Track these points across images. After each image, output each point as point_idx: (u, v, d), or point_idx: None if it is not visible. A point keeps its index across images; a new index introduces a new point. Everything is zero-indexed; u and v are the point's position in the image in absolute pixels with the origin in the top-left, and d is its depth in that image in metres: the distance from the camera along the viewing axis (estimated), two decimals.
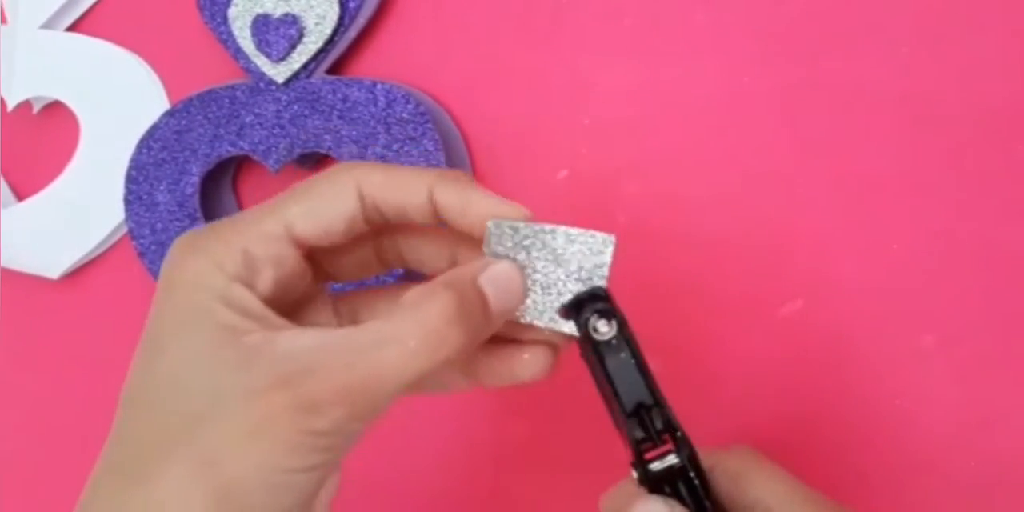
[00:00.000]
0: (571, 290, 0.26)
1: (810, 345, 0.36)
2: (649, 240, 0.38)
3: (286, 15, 0.42)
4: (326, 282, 0.29)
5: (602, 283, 0.26)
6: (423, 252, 0.29)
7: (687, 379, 0.35)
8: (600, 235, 0.26)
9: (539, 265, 0.26)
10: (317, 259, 0.27)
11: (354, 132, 0.40)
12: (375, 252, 0.29)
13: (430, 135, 0.39)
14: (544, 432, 0.39)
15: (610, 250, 0.26)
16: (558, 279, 0.26)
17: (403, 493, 0.41)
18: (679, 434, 0.25)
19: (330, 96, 0.41)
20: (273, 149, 0.42)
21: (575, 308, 0.26)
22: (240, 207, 0.46)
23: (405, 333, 0.23)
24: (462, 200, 0.26)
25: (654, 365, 0.26)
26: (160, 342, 0.24)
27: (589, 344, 0.26)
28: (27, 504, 0.48)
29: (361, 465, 0.42)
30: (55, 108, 0.49)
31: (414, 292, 0.24)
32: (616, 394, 0.26)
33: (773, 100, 0.37)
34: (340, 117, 0.41)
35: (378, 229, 0.28)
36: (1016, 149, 0.34)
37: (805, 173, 0.36)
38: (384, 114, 0.40)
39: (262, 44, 0.42)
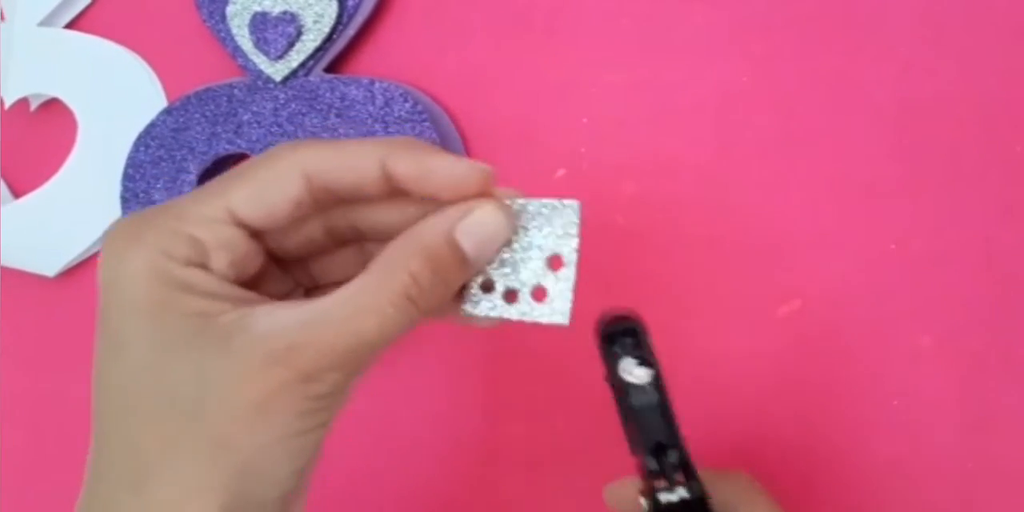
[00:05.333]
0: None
1: (808, 345, 0.36)
2: (647, 240, 0.38)
3: (284, 13, 0.42)
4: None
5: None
6: (379, 220, 0.27)
7: (685, 379, 0.35)
8: (562, 310, 0.25)
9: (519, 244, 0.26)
10: (260, 240, 0.26)
11: (352, 131, 0.40)
12: (324, 229, 0.28)
13: (428, 134, 0.39)
14: (539, 431, 0.39)
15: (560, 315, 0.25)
16: (515, 275, 0.26)
17: (400, 492, 0.41)
18: (693, 482, 0.26)
19: (328, 94, 0.41)
20: (270, 147, 0.42)
21: (607, 340, 0.26)
22: None
23: (382, 302, 0.24)
24: (421, 167, 0.25)
25: None
26: (123, 342, 0.24)
27: (619, 384, 0.26)
28: (26, 502, 0.48)
29: (358, 464, 0.42)
30: (53, 105, 0.49)
31: (386, 255, 0.24)
32: (640, 433, 0.26)
33: (772, 100, 0.37)
34: (338, 115, 0.41)
35: (325, 205, 0.27)
36: (1015, 149, 0.34)
37: (803, 173, 0.36)
38: (382, 113, 0.40)
39: (260, 42, 0.42)
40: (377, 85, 0.40)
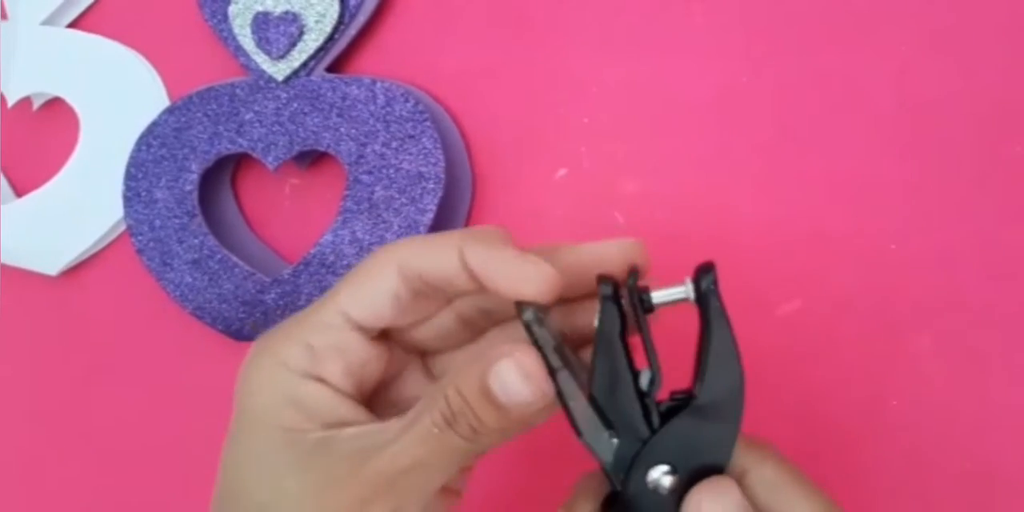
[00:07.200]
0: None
1: (807, 345, 0.36)
2: (647, 239, 0.38)
3: (286, 13, 0.42)
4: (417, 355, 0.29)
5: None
6: (500, 301, 0.27)
7: (683, 378, 0.35)
8: None
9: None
10: (396, 338, 0.28)
11: (353, 130, 0.40)
12: (457, 319, 0.28)
13: (429, 133, 0.39)
14: (544, 429, 0.39)
15: None
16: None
17: None
18: None
19: (329, 94, 0.41)
20: (272, 147, 0.42)
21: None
22: (239, 205, 0.46)
23: (412, 443, 0.25)
24: (485, 263, 0.25)
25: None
26: (232, 443, 0.27)
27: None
28: (25, 501, 0.48)
29: None
30: (55, 105, 0.49)
31: (424, 396, 0.26)
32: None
33: (771, 99, 0.37)
34: (339, 115, 0.41)
35: (434, 296, 0.27)
36: (1014, 149, 0.34)
37: (803, 173, 0.36)
38: (383, 112, 0.40)
39: (262, 42, 0.42)
40: (378, 85, 0.40)
